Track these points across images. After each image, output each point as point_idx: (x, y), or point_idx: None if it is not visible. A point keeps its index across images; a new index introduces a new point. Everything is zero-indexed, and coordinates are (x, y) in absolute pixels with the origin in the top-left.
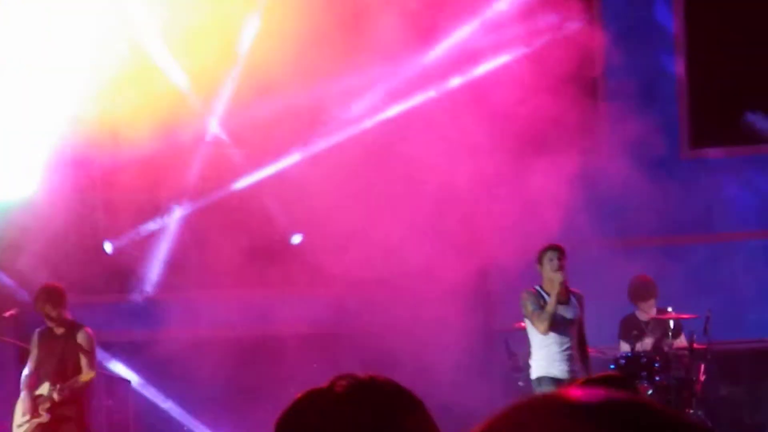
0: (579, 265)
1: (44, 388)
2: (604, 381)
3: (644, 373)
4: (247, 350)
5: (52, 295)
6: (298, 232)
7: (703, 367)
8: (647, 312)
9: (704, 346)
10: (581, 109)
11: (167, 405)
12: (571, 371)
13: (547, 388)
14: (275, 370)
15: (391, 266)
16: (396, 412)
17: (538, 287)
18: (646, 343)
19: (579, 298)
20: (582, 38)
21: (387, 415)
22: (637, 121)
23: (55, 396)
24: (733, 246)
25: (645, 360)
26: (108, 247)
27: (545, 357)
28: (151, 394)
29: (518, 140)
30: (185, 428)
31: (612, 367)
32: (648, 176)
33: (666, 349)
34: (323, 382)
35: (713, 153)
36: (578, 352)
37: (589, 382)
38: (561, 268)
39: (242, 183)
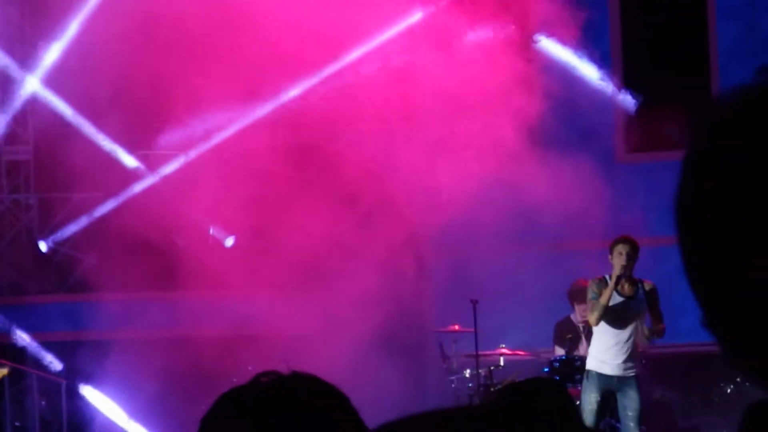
0: (513, 268)
1: None
2: (537, 384)
3: (578, 376)
4: (181, 352)
5: None
6: (232, 234)
7: None
8: (583, 314)
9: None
10: (518, 112)
11: (101, 405)
12: (625, 367)
13: (590, 384)
14: (208, 372)
15: (321, 268)
16: (322, 407)
17: (607, 276)
18: (581, 348)
19: (649, 291)
20: (520, 45)
21: (313, 410)
22: (573, 125)
23: None
24: (667, 250)
25: (579, 363)
26: (42, 246)
27: (599, 349)
28: (85, 394)
29: (457, 146)
30: (118, 429)
31: (546, 370)
32: (584, 180)
33: None
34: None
35: (649, 157)
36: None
37: (521, 386)
38: (627, 262)
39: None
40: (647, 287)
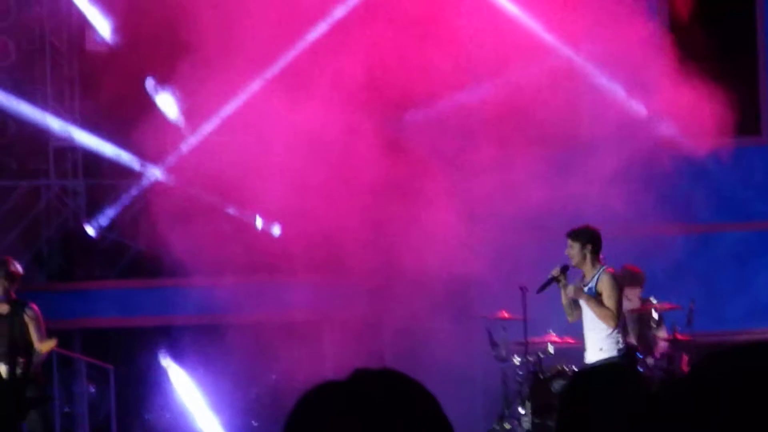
0: (561, 255)
1: (2, 370)
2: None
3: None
4: (229, 336)
5: (5, 269)
6: (277, 221)
7: (686, 358)
8: (631, 300)
9: (688, 337)
10: (565, 99)
11: (152, 391)
12: (589, 356)
13: None
14: (257, 356)
15: (371, 254)
16: (411, 405)
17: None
18: (629, 335)
19: (600, 277)
20: None
21: (402, 407)
22: (621, 112)
23: (20, 371)
24: (714, 237)
25: (625, 349)
26: (90, 231)
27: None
28: (133, 380)
29: (503, 131)
30: (167, 415)
31: None
32: (631, 168)
33: (649, 339)
34: (306, 369)
35: (696, 143)
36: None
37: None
38: (570, 254)
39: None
40: (602, 275)
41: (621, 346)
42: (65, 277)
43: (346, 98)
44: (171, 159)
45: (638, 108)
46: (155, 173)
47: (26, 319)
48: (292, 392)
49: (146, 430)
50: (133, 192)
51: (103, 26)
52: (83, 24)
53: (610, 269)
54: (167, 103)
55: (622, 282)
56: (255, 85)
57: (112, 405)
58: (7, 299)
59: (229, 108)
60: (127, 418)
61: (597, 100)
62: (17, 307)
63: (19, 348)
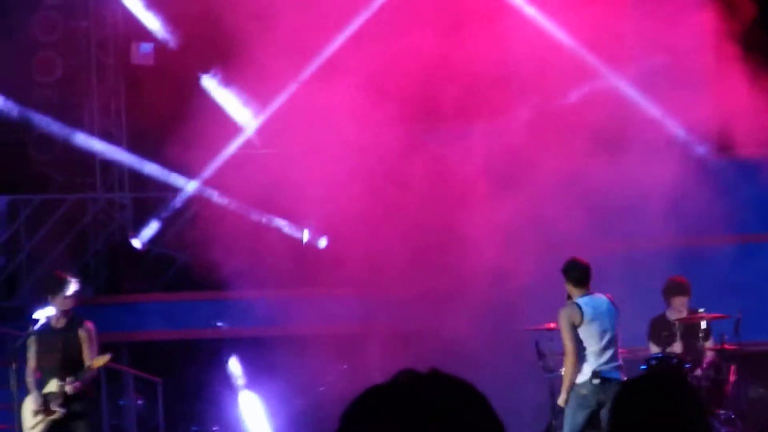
0: (606, 265)
1: (52, 385)
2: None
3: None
4: (273, 350)
5: (63, 284)
6: (324, 234)
7: (733, 368)
8: (678, 310)
9: (735, 347)
10: (610, 109)
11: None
12: None
13: None
14: (303, 368)
15: (415, 264)
16: (461, 405)
17: None
18: (676, 345)
19: None
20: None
21: (452, 407)
22: (666, 123)
23: (69, 389)
24: (757, 247)
25: (676, 361)
26: (136, 244)
27: None
28: (180, 393)
29: (545, 143)
30: (215, 427)
31: (643, 367)
32: (675, 178)
33: (697, 350)
34: (352, 381)
35: (739, 154)
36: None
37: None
38: None
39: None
40: None
41: (590, 367)
42: (112, 290)
43: (391, 112)
44: (216, 171)
45: (684, 118)
46: (201, 186)
47: (80, 335)
48: (338, 404)
49: None
50: (179, 205)
51: (156, 29)
52: (129, 38)
53: (568, 302)
54: (223, 106)
55: (670, 293)
56: (301, 99)
57: (160, 418)
58: (64, 314)
59: (275, 120)
60: (175, 430)
61: (643, 109)
62: (72, 322)
63: (72, 363)
